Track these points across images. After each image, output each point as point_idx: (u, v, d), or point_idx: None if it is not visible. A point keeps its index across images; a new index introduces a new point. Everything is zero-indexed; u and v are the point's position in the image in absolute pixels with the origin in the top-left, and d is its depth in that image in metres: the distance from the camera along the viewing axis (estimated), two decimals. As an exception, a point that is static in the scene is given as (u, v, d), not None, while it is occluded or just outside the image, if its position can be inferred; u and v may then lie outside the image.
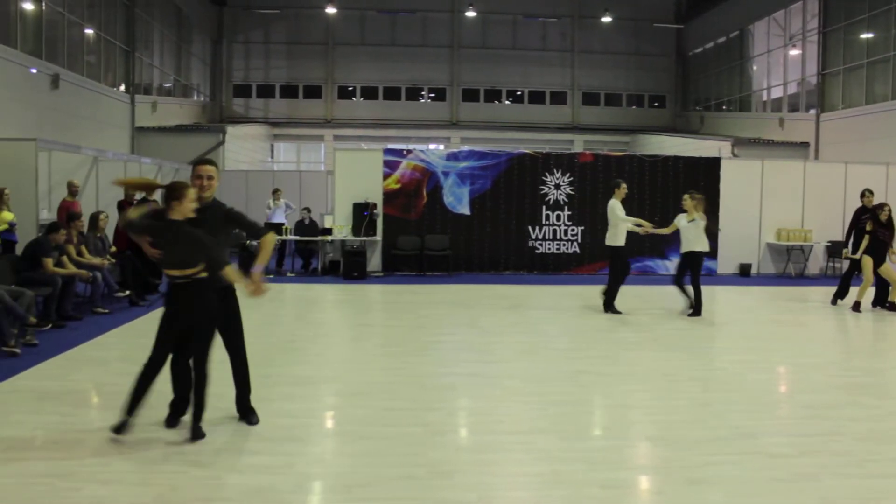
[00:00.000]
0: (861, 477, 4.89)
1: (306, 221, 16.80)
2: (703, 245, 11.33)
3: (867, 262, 11.97)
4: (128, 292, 11.52)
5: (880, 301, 12.40)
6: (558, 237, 16.90)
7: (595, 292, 11.64)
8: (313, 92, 41.13)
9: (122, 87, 26.93)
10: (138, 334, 9.42)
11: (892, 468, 5.04)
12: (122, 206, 13.08)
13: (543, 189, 16.82)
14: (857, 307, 12.06)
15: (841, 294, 12.73)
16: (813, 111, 30.70)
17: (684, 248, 11.48)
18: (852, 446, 5.48)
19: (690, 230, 11.37)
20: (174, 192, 5.28)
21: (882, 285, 12.35)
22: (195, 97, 37.01)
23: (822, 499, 4.50)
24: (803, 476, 4.86)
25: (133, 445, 5.22)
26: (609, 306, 11.43)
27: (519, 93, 42.27)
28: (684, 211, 11.62)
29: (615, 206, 11.43)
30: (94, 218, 11.86)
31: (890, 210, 12.09)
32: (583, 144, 40.69)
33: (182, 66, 34.56)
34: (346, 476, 4.78)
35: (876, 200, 12.67)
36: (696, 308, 11.29)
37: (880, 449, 5.42)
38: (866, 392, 7.10)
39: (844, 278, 12.80)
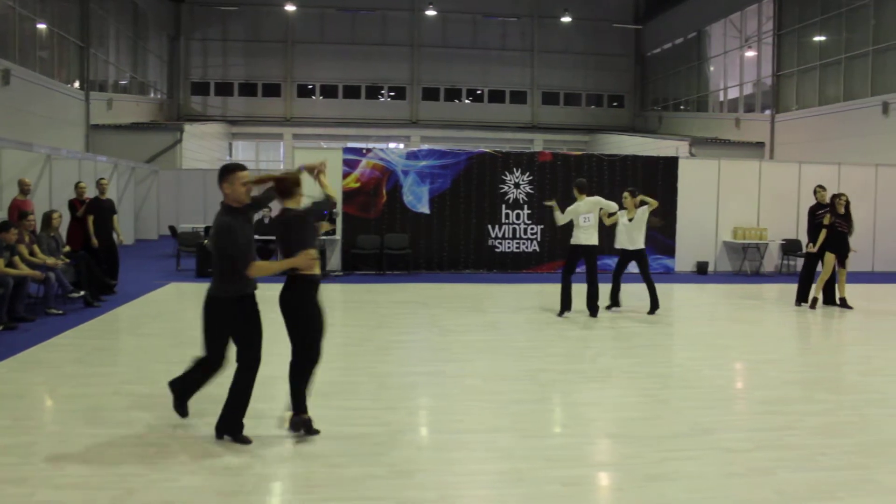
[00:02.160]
0: (815, 470, 4.97)
1: (266, 220, 16.65)
2: (637, 243, 11.44)
3: (829, 257, 12.14)
4: (82, 293, 11.30)
5: (829, 298, 12.58)
6: (518, 236, 16.95)
7: (555, 290, 11.68)
8: (272, 90, 40.84)
9: (77, 84, 26.47)
10: (93, 336, 9.27)
11: (844, 461, 5.14)
12: (74, 204, 12.84)
13: (503, 188, 16.86)
14: (814, 304, 12.25)
15: (803, 296, 12.61)
16: (768, 112, 31.23)
17: (627, 245, 11.54)
18: (806, 440, 5.58)
19: (632, 228, 11.48)
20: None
21: (829, 283, 12.53)
22: (152, 94, 36.52)
23: (778, 492, 4.57)
24: (759, 470, 4.94)
25: (88, 449, 5.12)
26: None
27: (479, 92, 42.38)
28: (624, 208, 11.67)
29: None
30: (47, 217, 11.61)
31: (847, 200, 12.26)
32: (542, 143, 40.95)
33: (139, 62, 34.07)
34: (306, 476, 4.75)
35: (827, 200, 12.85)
36: (652, 305, 11.42)
37: (833, 442, 5.53)
38: (819, 387, 7.23)
39: (803, 279, 12.77)
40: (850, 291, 12.69)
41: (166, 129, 30.92)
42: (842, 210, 12.11)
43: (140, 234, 24.52)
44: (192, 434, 5.47)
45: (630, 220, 11.46)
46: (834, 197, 12.27)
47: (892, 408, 6.51)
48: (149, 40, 35.59)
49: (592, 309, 11.12)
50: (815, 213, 12.68)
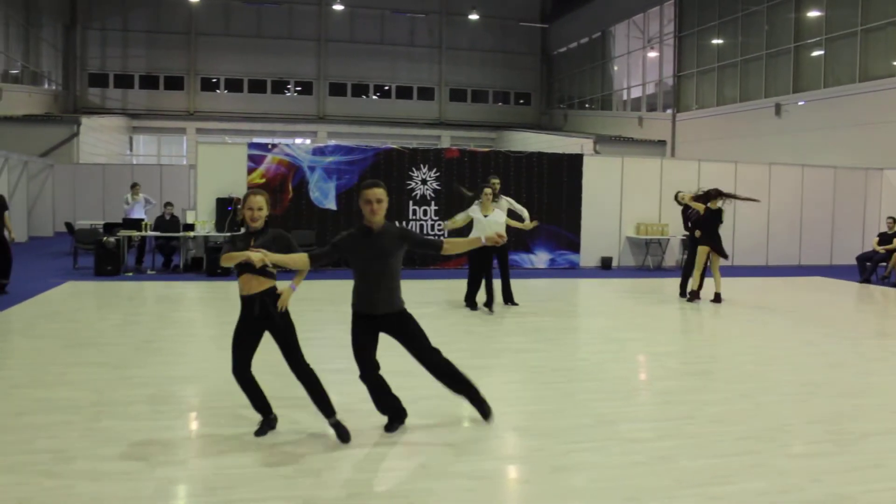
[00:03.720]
0: (711, 457, 5.14)
1: (167, 217, 16.21)
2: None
3: (702, 250, 12.64)
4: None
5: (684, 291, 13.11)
6: (425, 232, 16.98)
7: (462, 287, 11.77)
8: (175, 83, 39.83)
9: (-38, 73, 25.19)
10: (-18, 337, 8.84)
11: (738, 447, 5.34)
12: None
13: (410, 184, 16.87)
14: (693, 297, 12.66)
15: (686, 289, 13.08)
16: (669, 111, 32.15)
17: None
18: (704, 428, 5.77)
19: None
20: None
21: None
22: (46, 85, 35.08)
23: (677, 480, 4.71)
24: (660, 458, 5.08)
25: (-25, 455, 4.88)
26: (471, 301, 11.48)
27: (386, 88, 42.30)
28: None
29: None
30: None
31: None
32: (449, 140, 41.19)
33: (31, 51, 32.67)
34: (210, 478, 4.63)
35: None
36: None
37: (728, 430, 5.73)
38: (716, 377, 7.50)
39: (685, 273, 13.20)
40: (747, 284, 13.20)
41: (62, 121, 29.74)
42: (713, 206, 12.60)
43: (34, 230, 23.54)
44: (88, 438, 5.27)
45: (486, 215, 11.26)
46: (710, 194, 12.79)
47: (781, 395, 6.80)
48: (42, 28, 34.16)
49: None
50: (687, 211, 13.23)
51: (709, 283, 12.94)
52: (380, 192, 5.19)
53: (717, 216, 12.57)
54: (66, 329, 9.35)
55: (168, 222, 16.07)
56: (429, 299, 12.49)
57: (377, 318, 5.46)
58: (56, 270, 15.31)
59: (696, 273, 12.69)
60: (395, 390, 6.72)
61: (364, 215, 5.24)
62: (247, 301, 5.38)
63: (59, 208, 24.63)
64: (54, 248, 20.32)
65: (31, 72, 32.73)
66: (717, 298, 12.64)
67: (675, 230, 18.28)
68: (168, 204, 16.71)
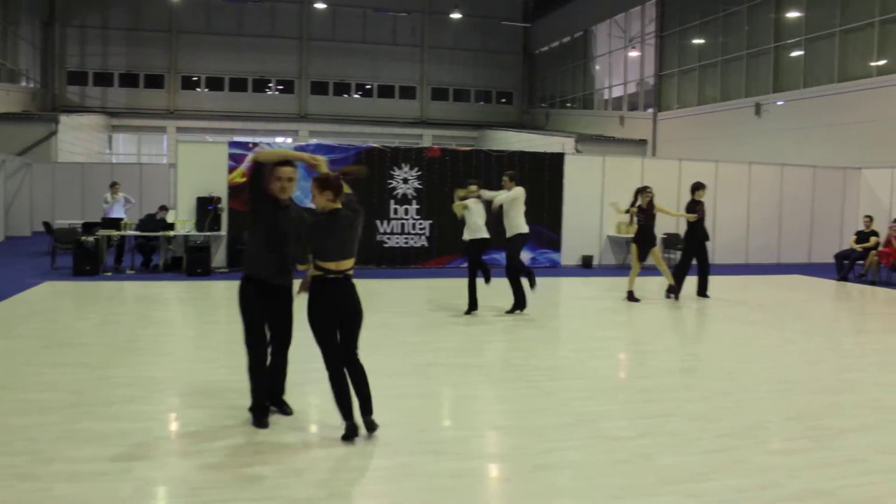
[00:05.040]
0: (692, 454, 5.17)
1: (158, 218, 16.06)
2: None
3: (634, 249, 12.67)
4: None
5: (703, 290, 13.12)
6: (406, 231, 16.96)
7: (444, 285, 11.77)
8: (155, 81, 39.55)
9: (-62, 71, 24.89)
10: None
11: (719, 444, 5.37)
12: None
13: (392, 183, 16.84)
14: (631, 296, 12.60)
15: (678, 287, 12.96)
16: (650, 110, 32.28)
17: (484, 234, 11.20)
18: (684, 426, 5.80)
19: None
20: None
21: (681, 274, 13.04)
22: (24, 83, 34.71)
23: (659, 477, 4.73)
24: (641, 456, 5.10)
25: (-49, 457, 4.81)
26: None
27: (368, 87, 42.21)
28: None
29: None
30: None
31: (651, 195, 12.61)
32: (431, 139, 41.16)
33: (8, 48, 32.31)
34: (190, 479, 4.60)
35: (707, 196, 13.38)
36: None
37: (709, 427, 5.77)
38: (696, 375, 7.54)
39: (680, 271, 13.11)
40: (727, 282, 13.28)
41: (40, 120, 29.46)
42: (644, 204, 12.59)
43: (11, 230, 23.31)
44: (66, 439, 5.22)
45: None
46: (639, 191, 12.76)
47: (761, 392, 6.84)
48: (20, 25, 33.80)
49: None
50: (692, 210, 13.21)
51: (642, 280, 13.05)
52: (290, 171, 5.79)
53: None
54: (44, 329, 9.26)
55: (153, 222, 15.92)
56: (411, 299, 12.48)
57: None
58: (34, 270, 15.17)
59: (633, 273, 12.74)
60: (381, 390, 6.71)
61: (274, 192, 5.71)
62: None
63: (37, 207, 24.39)
64: (32, 247, 20.14)
65: (8, 69, 32.38)
66: (631, 296, 12.61)
67: (657, 229, 18.30)
68: (163, 207, 16.57)
